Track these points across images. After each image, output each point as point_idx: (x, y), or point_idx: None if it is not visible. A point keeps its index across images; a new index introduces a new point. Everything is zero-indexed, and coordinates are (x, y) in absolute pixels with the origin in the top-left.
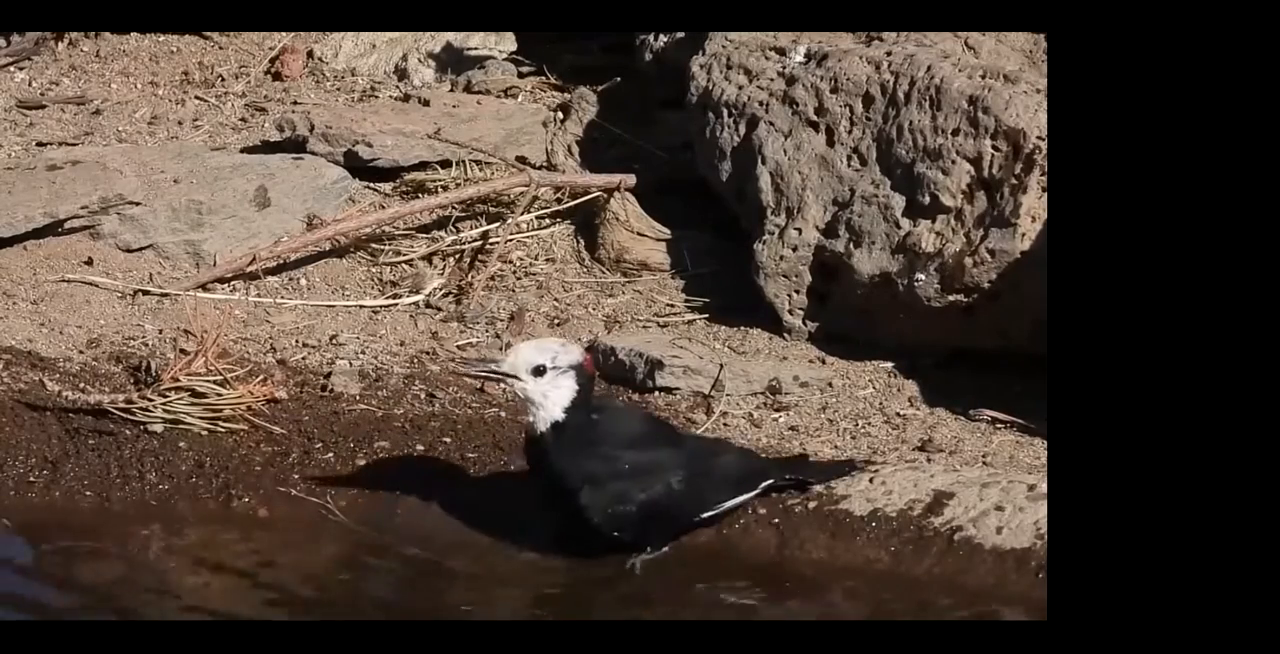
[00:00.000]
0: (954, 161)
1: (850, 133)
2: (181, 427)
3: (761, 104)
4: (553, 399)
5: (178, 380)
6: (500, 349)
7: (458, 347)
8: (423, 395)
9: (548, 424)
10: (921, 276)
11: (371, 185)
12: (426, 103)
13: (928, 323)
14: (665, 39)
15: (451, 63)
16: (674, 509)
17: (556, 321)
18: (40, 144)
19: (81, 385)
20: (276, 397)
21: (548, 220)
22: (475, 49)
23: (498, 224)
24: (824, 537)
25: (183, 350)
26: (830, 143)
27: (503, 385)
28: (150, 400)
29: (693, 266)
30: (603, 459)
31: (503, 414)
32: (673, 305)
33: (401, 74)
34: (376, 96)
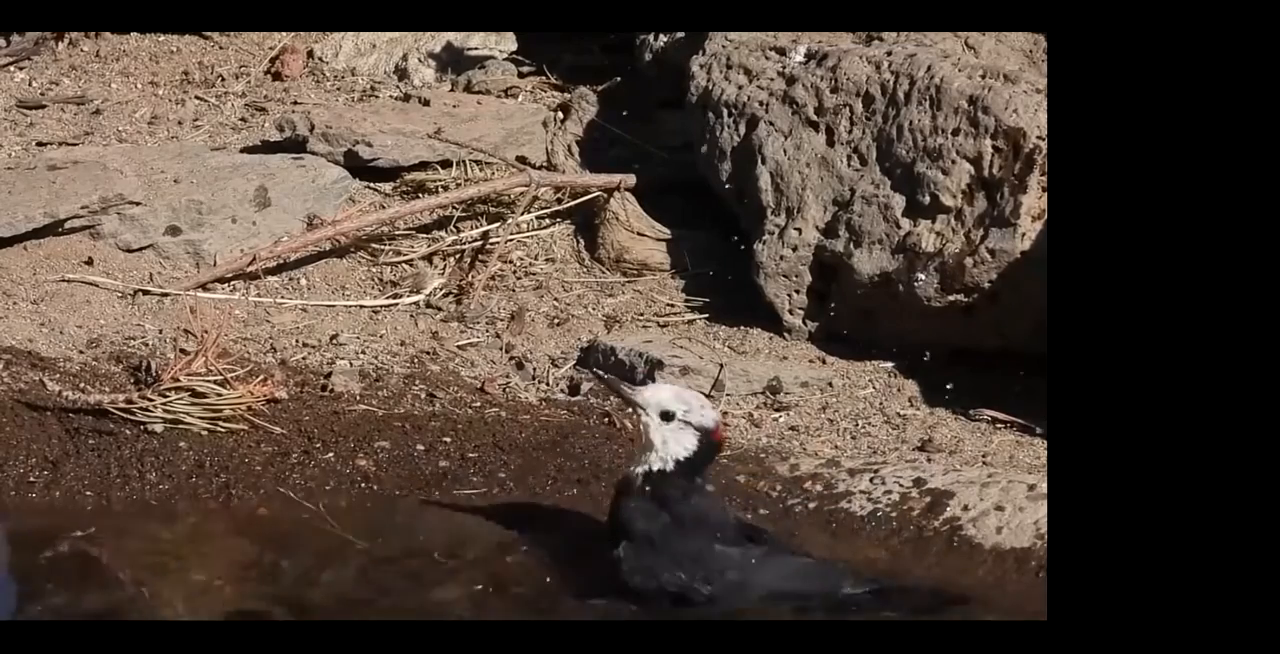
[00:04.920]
0: (954, 161)
1: (850, 133)
2: (181, 427)
3: (761, 104)
4: (669, 448)
5: (178, 380)
6: (502, 346)
7: (458, 346)
8: (423, 395)
9: (646, 470)
10: (921, 276)
11: (371, 185)
12: (426, 103)
13: (928, 323)
14: (665, 39)
15: (451, 63)
16: (693, 602)
17: (556, 321)
18: (40, 144)
19: (81, 385)
20: (276, 397)
21: (548, 220)
22: (475, 49)
23: (498, 224)
24: (824, 536)
25: (183, 350)
26: (830, 143)
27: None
28: (150, 400)
29: (693, 266)
30: (661, 529)
31: (503, 414)
32: (673, 305)
33: (401, 74)
34: (376, 96)
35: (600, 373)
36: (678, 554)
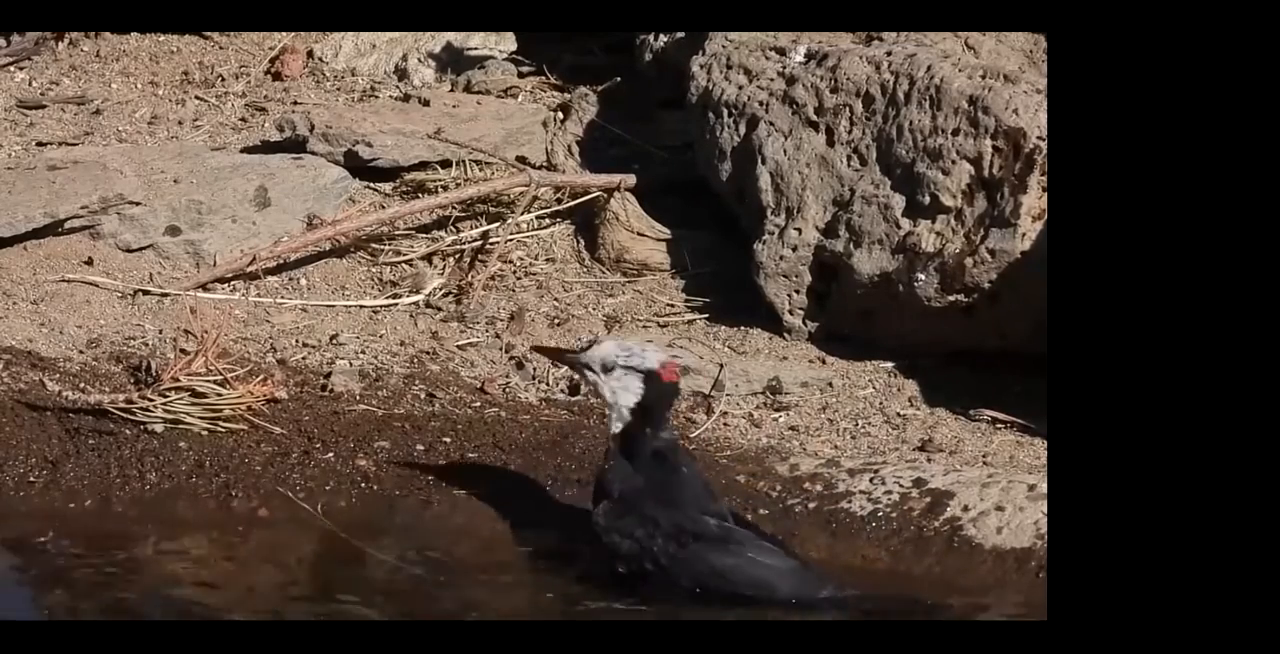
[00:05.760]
0: (954, 161)
1: (850, 133)
2: (181, 427)
3: (761, 104)
4: (619, 398)
5: (178, 380)
6: (502, 346)
7: (458, 346)
8: (423, 395)
9: (614, 432)
10: (921, 276)
11: (371, 185)
12: (426, 103)
13: (928, 323)
14: (665, 39)
15: (451, 63)
16: (660, 563)
17: (556, 321)
18: (40, 144)
19: (81, 385)
20: (276, 397)
21: (548, 220)
22: (475, 49)
23: (498, 224)
24: (824, 536)
25: (183, 350)
26: (830, 143)
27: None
28: (150, 400)
29: (693, 266)
30: (635, 487)
31: (503, 414)
32: (673, 305)
33: (401, 74)
34: (376, 96)
35: (540, 346)
36: (655, 513)
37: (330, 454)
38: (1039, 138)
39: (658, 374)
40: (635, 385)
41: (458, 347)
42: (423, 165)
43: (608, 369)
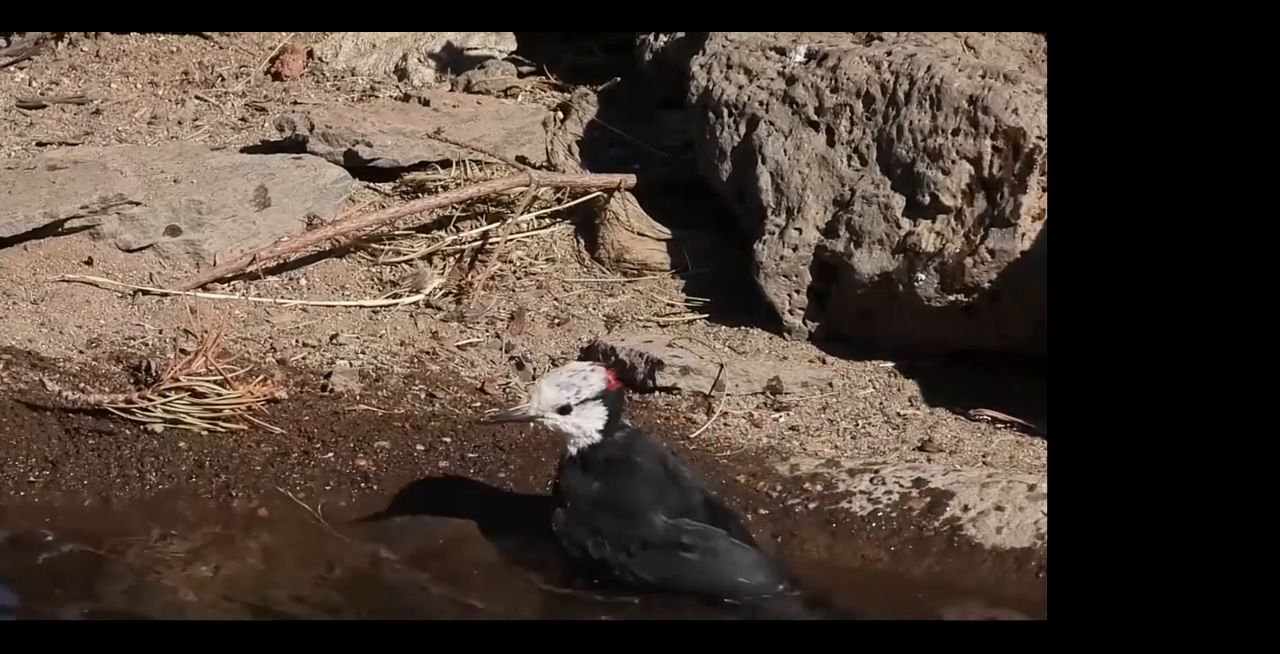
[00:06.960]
0: (954, 161)
1: (850, 132)
2: (181, 427)
3: (761, 104)
4: (585, 427)
5: (178, 380)
6: (502, 346)
7: (458, 346)
8: (423, 395)
9: (576, 450)
10: (921, 276)
11: (371, 185)
12: (426, 103)
13: (928, 323)
14: (665, 39)
15: (451, 63)
16: (613, 571)
17: (556, 321)
18: (40, 144)
19: (81, 385)
20: (276, 397)
21: (548, 220)
22: (475, 49)
23: (498, 224)
24: (824, 536)
25: (183, 350)
26: (830, 143)
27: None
28: (150, 400)
29: (693, 266)
30: (591, 497)
31: None
32: (673, 305)
33: (401, 74)
34: (376, 96)
35: (486, 419)
36: (601, 524)
37: (330, 454)
38: (1039, 138)
39: (608, 389)
40: (599, 411)
41: (458, 347)
42: (423, 165)
43: (565, 411)
